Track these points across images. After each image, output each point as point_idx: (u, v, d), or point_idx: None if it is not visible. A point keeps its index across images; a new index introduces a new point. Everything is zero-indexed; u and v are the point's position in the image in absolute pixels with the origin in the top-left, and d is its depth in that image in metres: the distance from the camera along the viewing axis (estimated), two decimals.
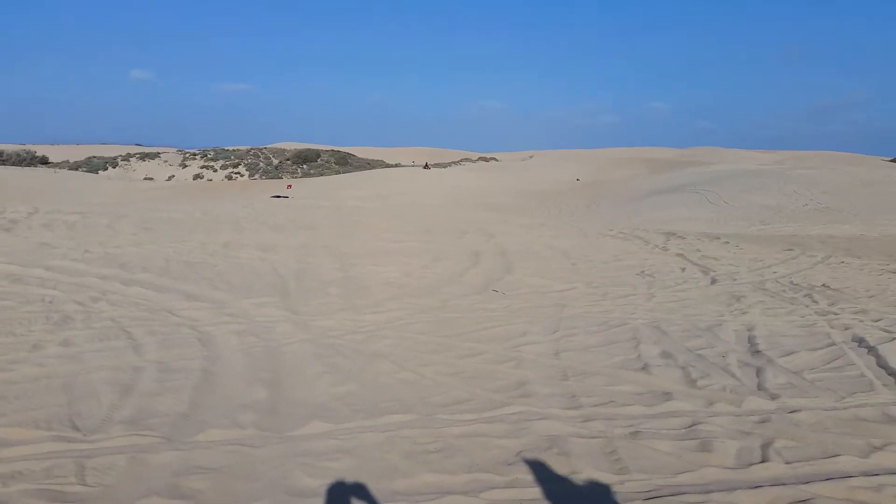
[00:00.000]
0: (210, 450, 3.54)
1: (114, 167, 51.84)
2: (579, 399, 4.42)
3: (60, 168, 46.56)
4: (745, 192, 26.63)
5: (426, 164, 57.52)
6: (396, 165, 59.75)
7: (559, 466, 3.45)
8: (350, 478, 3.30)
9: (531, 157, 76.79)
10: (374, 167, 55.66)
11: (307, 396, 4.38)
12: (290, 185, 27.21)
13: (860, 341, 5.91)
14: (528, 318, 6.65)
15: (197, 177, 50.43)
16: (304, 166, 53.39)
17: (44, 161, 50.24)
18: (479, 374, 4.90)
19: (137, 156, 55.35)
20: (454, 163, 65.88)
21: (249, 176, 51.27)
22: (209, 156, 54.99)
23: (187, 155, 55.71)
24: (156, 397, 4.25)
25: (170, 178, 49.28)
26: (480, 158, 74.10)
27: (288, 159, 54.74)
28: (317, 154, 56.36)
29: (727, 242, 13.10)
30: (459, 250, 10.93)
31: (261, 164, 53.76)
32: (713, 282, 8.84)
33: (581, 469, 3.41)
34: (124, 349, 5.22)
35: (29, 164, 46.24)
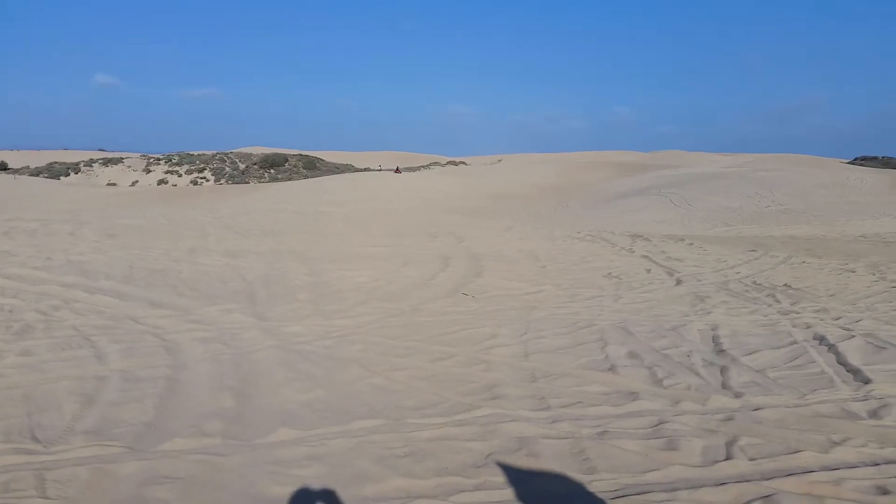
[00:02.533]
0: (176, 459, 3.49)
1: (76, 173, 50.71)
2: (548, 400, 4.46)
3: (20, 174, 45.38)
4: (708, 194, 27.13)
5: (397, 169, 57.37)
6: (366, 170, 59.52)
7: (528, 468, 3.47)
8: (319, 485, 3.28)
9: (500, 161, 77.15)
10: (342, 172, 55.36)
11: (275, 403, 4.34)
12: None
13: (821, 339, 6.06)
14: (498, 320, 6.68)
15: (161, 182, 49.63)
16: (272, 171, 52.86)
17: (2, 167, 48.96)
18: (449, 377, 4.91)
19: (100, 161, 54.22)
20: (424, 167, 65.81)
21: (215, 181, 50.60)
22: (174, 161, 54.15)
23: (151, 160, 54.77)
24: (119, 407, 4.18)
25: (133, 184, 48.41)
26: (450, 163, 74.17)
27: (255, 164, 54.12)
28: (284, 158, 55.84)
29: (691, 244, 13.33)
30: (429, 254, 10.94)
31: (227, 168, 53.08)
32: (678, 283, 8.99)
33: (550, 470, 3.44)
34: (87, 358, 5.11)
35: None
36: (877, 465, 3.55)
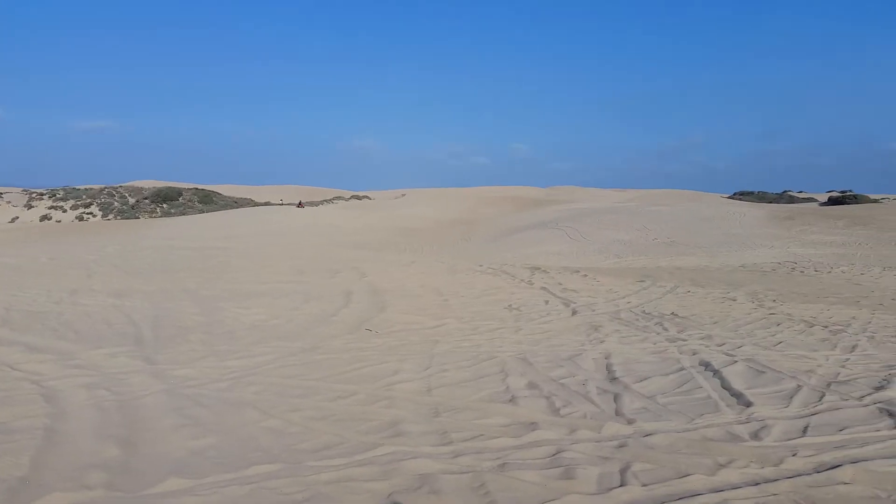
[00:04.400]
0: None
1: None
2: (450, 435, 4.46)
3: None
4: (601, 228, 28.39)
5: (300, 203, 56.57)
6: (266, 204, 58.30)
7: None
8: None
9: (404, 195, 77.63)
10: (241, 206, 53.99)
11: (164, 451, 4.11)
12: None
13: (706, 365, 6.41)
14: (401, 355, 6.66)
15: (44, 218, 46.56)
16: (164, 205, 50.74)
17: None
18: (350, 416, 4.82)
19: None
20: (327, 201, 65.17)
21: (103, 216, 48.03)
22: (58, 195, 50.99)
23: (34, 195, 51.35)
24: None
25: (13, 220, 45.17)
26: (353, 197, 73.89)
27: (146, 198, 51.82)
28: (178, 192, 53.78)
29: (586, 275, 13.86)
30: (331, 290, 10.79)
31: (115, 203, 50.51)
32: (574, 313, 9.30)
33: None
34: None
35: None
36: (758, 484, 3.75)
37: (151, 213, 48.80)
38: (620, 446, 4.29)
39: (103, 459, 3.93)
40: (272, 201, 63.79)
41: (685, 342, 7.49)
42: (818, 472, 3.84)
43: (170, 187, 56.09)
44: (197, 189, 57.40)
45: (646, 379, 5.89)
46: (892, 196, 64.10)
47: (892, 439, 4.37)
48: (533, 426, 4.62)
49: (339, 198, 70.62)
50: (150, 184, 65.81)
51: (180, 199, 52.81)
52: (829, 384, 5.72)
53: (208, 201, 53.84)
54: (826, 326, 8.50)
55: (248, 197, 64.40)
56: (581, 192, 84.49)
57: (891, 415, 4.86)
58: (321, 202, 62.33)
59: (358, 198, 72.24)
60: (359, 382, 5.66)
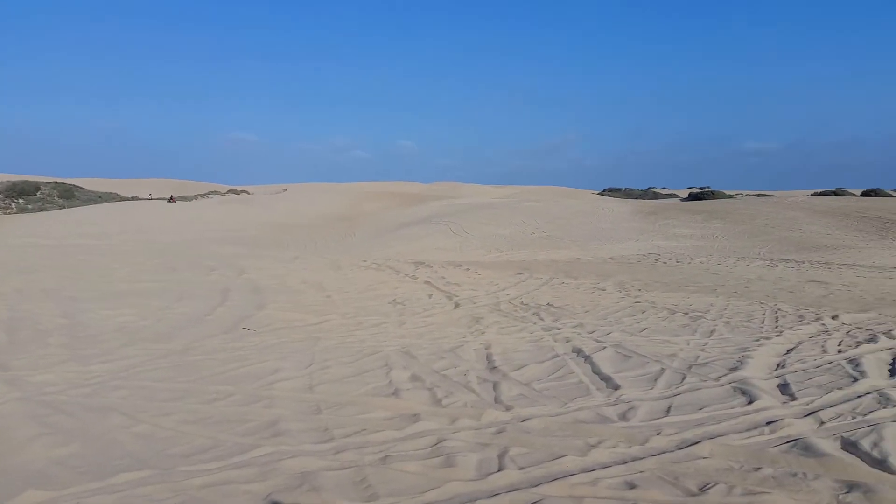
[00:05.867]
0: None
1: None
2: (332, 431, 4.41)
3: None
4: (482, 223, 29.05)
5: (171, 197, 53.69)
6: (133, 199, 54.95)
7: (309, 503, 3.39)
8: None
9: (285, 189, 75.60)
10: (106, 201, 50.60)
11: (20, 463, 3.79)
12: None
13: (578, 352, 6.73)
14: (282, 354, 6.50)
15: None
16: (20, 201, 46.53)
17: None
18: (226, 418, 4.65)
19: None
20: (202, 196, 62.22)
21: None
22: None
23: None
24: None
25: None
26: (231, 191, 70.96)
27: None
28: (35, 187, 49.47)
29: (468, 269, 14.14)
30: (206, 288, 10.34)
31: None
32: (456, 306, 9.47)
33: (331, 502, 3.40)
34: None
35: None
36: (626, 462, 3.98)
37: (6, 210, 44.60)
38: (499, 432, 4.41)
39: None
40: (140, 196, 60.17)
41: (559, 331, 7.81)
42: (680, 449, 4.12)
43: (25, 181, 51.43)
44: (57, 183, 53.05)
45: (523, 367, 6.10)
46: (745, 192, 70.06)
47: (744, 415, 4.76)
48: (415, 418, 4.66)
49: (214, 192, 67.66)
50: (2, 177, 60.09)
51: (38, 193, 48.60)
52: (689, 367, 6.16)
53: (70, 196, 49.94)
54: (686, 313, 9.16)
55: (114, 191, 60.27)
56: (463, 187, 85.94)
57: (743, 393, 5.30)
58: (195, 197, 59.52)
59: (236, 192, 69.54)
60: (236, 383, 5.47)
